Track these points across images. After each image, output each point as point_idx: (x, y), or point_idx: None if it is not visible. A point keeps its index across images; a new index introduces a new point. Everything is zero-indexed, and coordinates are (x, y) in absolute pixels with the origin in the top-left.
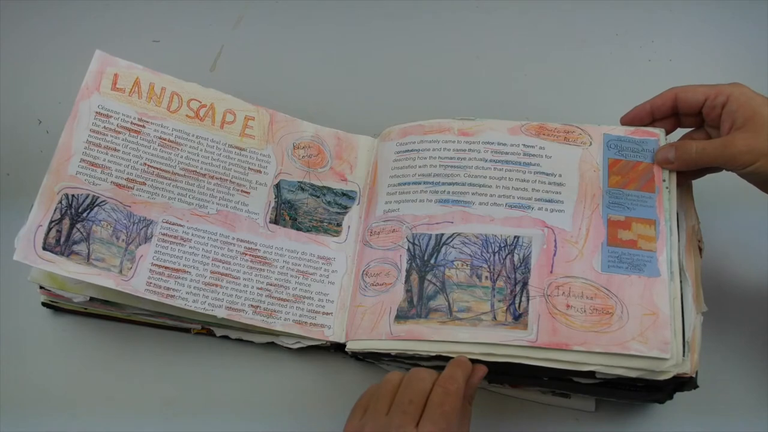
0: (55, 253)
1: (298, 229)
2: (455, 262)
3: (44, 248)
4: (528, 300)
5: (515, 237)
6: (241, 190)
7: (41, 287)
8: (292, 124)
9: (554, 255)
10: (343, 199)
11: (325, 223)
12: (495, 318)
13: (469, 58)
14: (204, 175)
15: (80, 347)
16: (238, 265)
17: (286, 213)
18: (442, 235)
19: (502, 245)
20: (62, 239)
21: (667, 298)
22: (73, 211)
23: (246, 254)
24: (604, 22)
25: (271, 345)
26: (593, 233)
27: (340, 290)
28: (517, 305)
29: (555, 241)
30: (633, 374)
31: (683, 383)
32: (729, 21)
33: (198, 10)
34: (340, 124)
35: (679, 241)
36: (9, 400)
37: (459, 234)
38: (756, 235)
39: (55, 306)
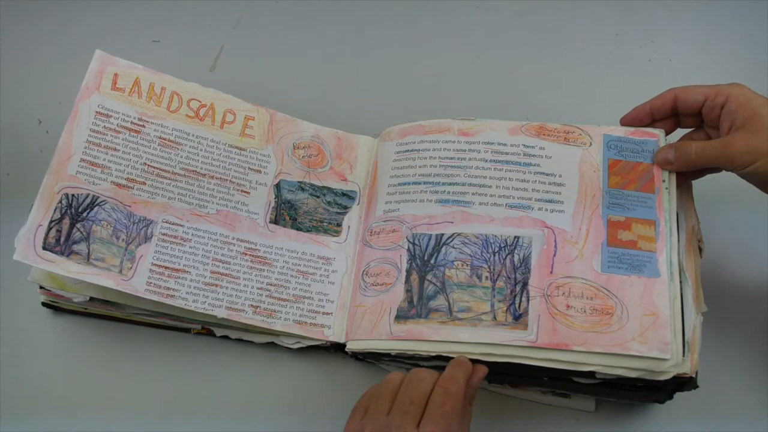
0: (55, 253)
1: (298, 229)
2: (455, 262)
3: (44, 248)
4: (528, 300)
5: (515, 237)
6: (241, 190)
7: (41, 287)
8: (292, 124)
9: (554, 255)
10: (343, 199)
11: (325, 223)
12: (495, 318)
13: (469, 58)
14: (204, 175)
15: (80, 347)
16: (238, 265)
17: (286, 213)
18: (442, 235)
19: (502, 245)
20: (62, 239)
21: (667, 299)
22: (73, 210)
23: (246, 254)
24: (604, 22)
25: (271, 345)
26: (593, 233)
27: (340, 290)
28: (517, 305)
29: (555, 241)
30: (633, 374)
31: (683, 383)
32: (729, 21)
33: (198, 10)
34: (340, 124)
35: (678, 241)
36: (9, 400)
37: (459, 234)
38: (756, 235)
39: (55, 306)
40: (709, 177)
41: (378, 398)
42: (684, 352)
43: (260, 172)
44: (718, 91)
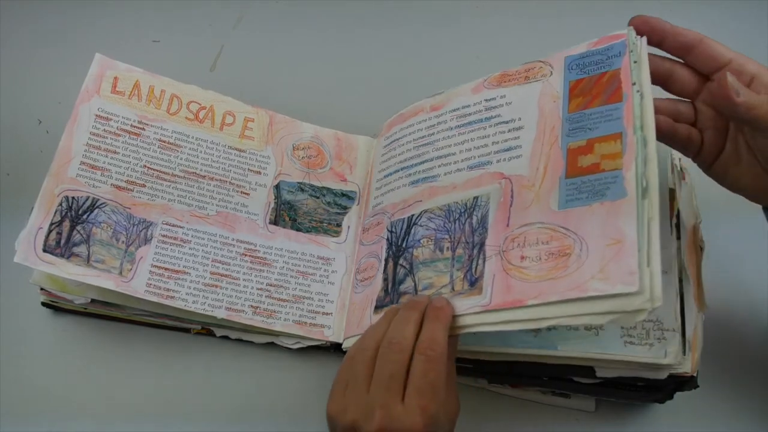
0: (56, 255)
1: (298, 229)
2: (421, 240)
3: (44, 250)
4: (484, 262)
5: (474, 198)
6: (241, 192)
7: (42, 288)
8: (292, 125)
9: (510, 206)
10: (343, 200)
11: (325, 224)
12: (453, 288)
13: (469, 58)
14: (203, 176)
15: (80, 347)
16: (237, 266)
17: (285, 214)
18: (413, 215)
19: (462, 210)
20: (62, 241)
21: (634, 220)
22: (73, 213)
23: (246, 255)
24: (604, 22)
25: (271, 345)
26: (551, 170)
27: (339, 290)
28: (473, 270)
29: (511, 190)
30: (601, 321)
31: (683, 383)
32: (729, 21)
33: (198, 10)
34: (340, 125)
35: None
36: (9, 400)
37: (426, 210)
38: (757, 234)
39: (55, 306)
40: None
41: (356, 373)
42: (684, 351)
43: (260, 173)
44: (748, 61)
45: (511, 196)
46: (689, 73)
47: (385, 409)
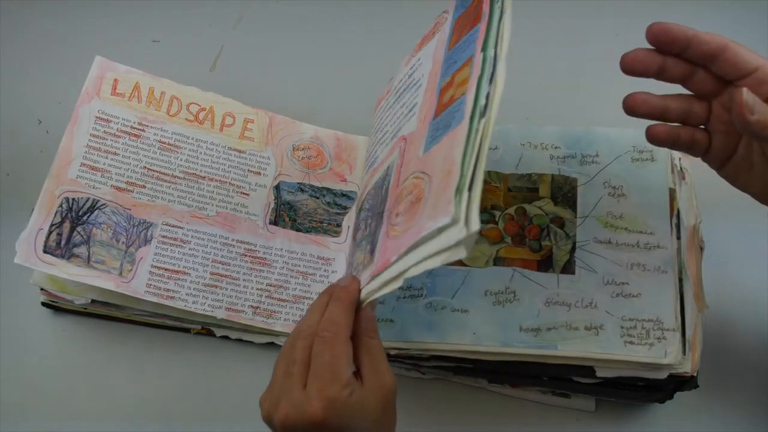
0: (56, 256)
1: (298, 230)
2: (361, 223)
3: (45, 251)
4: (380, 229)
5: (387, 168)
6: (241, 192)
7: (42, 288)
8: (292, 126)
9: (401, 166)
10: (343, 200)
11: (325, 224)
12: (364, 264)
13: None
14: (203, 177)
15: (80, 347)
16: (237, 267)
17: (285, 214)
18: (363, 202)
19: (381, 184)
20: (63, 242)
21: (462, 145)
22: (73, 214)
23: (246, 255)
24: (604, 22)
25: (271, 345)
26: (427, 116)
27: None
28: (374, 240)
29: (404, 150)
30: (437, 263)
31: (683, 383)
32: (729, 21)
33: (198, 10)
34: (340, 125)
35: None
36: (9, 400)
37: (366, 194)
38: (757, 235)
39: (55, 306)
40: (709, 176)
41: (275, 366)
42: (684, 350)
43: (260, 173)
44: None
45: (403, 156)
46: (710, 75)
47: (287, 396)
